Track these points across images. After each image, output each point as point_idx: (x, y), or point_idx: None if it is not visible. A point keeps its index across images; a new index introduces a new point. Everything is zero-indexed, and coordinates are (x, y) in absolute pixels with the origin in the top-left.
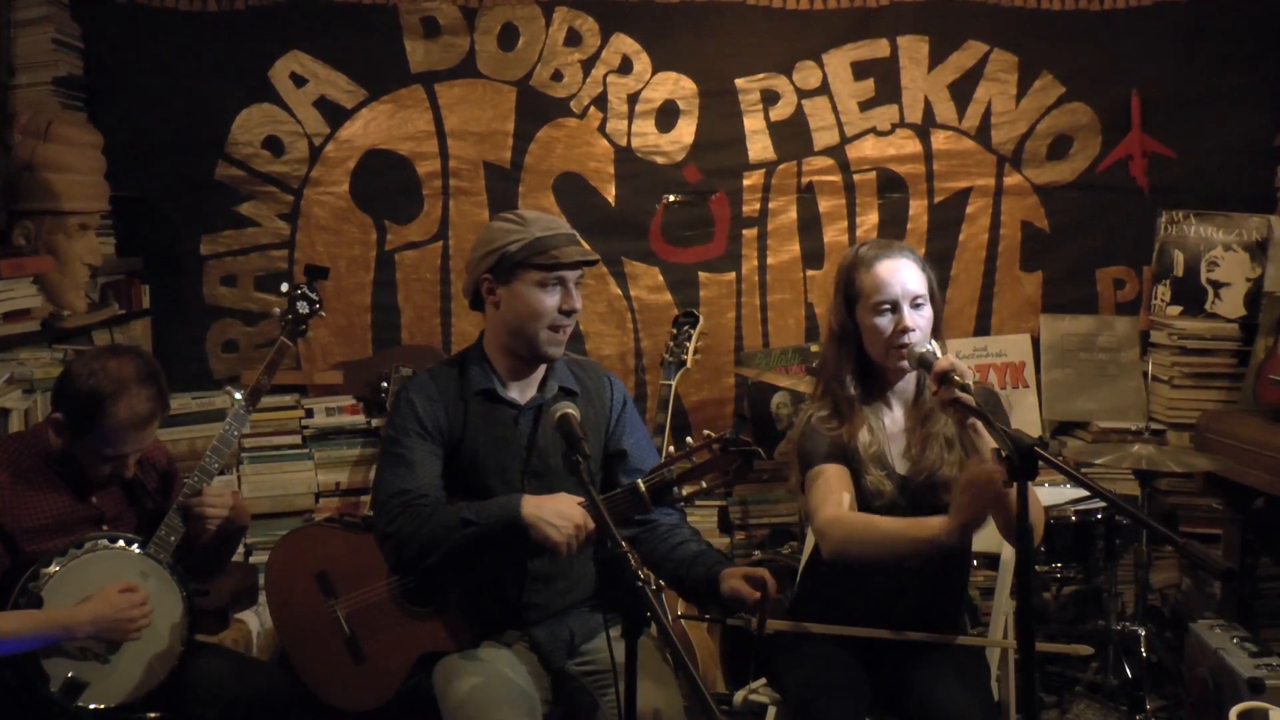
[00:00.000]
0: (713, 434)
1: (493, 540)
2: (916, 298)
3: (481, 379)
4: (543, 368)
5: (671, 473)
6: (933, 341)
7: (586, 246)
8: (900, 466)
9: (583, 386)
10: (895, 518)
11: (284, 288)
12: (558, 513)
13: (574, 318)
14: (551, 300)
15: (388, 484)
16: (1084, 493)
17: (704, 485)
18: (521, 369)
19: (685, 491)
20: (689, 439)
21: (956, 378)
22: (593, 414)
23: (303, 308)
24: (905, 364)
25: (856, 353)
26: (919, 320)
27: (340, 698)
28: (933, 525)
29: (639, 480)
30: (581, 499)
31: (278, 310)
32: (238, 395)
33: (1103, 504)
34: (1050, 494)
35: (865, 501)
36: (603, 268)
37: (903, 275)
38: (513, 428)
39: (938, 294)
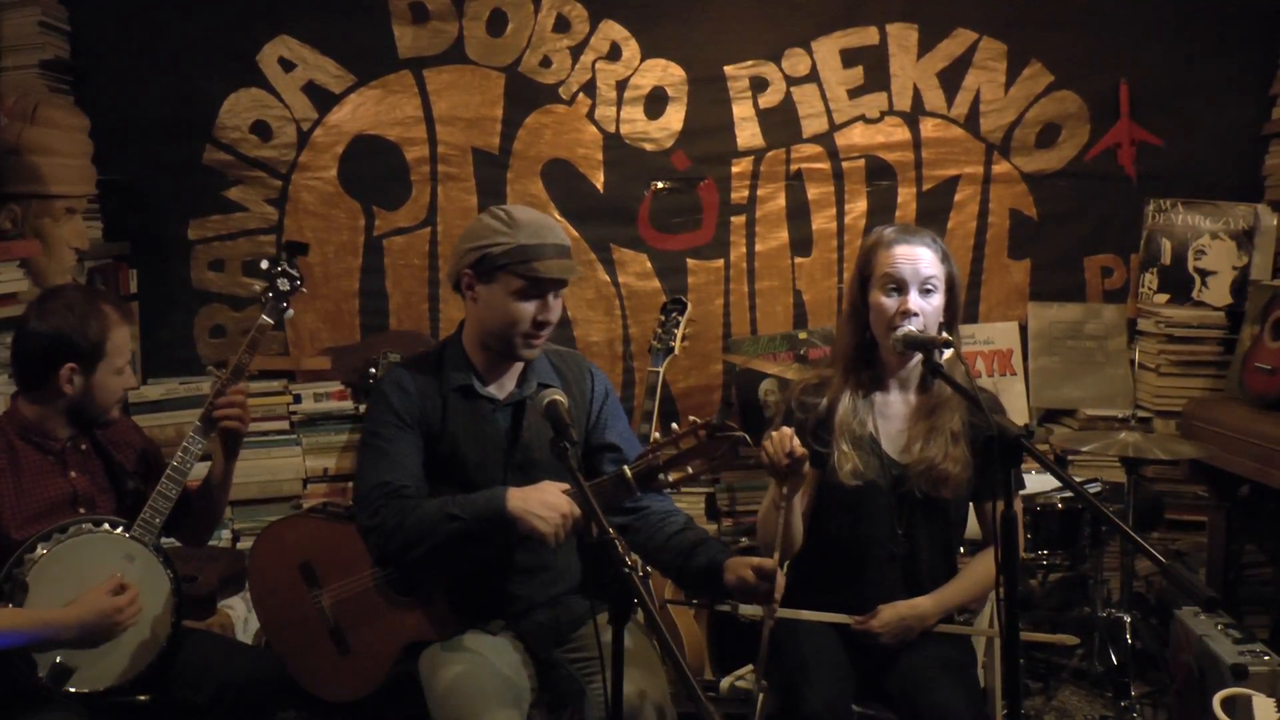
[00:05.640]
0: (698, 420)
1: (478, 534)
2: (926, 282)
3: (458, 375)
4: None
5: (657, 458)
6: (925, 329)
7: (570, 261)
8: (895, 452)
9: (563, 380)
10: None
11: (264, 265)
12: (544, 503)
13: (549, 328)
14: (528, 310)
15: (367, 476)
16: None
17: (690, 471)
18: (499, 365)
19: (672, 477)
20: (674, 424)
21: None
22: (573, 408)
23: (283, 285)
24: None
25: (863, 332)
26: (925, 306)
27: (325, 688)
28: None
29: (625, 467)
30: (566, 485)
31: (259, 287)
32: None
33: (1090, 491)
34: (1037, 481)
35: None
36: (591, 254)
37: (917, 259)
38: (491, 422)
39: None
